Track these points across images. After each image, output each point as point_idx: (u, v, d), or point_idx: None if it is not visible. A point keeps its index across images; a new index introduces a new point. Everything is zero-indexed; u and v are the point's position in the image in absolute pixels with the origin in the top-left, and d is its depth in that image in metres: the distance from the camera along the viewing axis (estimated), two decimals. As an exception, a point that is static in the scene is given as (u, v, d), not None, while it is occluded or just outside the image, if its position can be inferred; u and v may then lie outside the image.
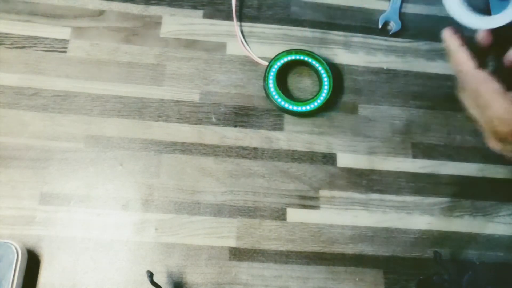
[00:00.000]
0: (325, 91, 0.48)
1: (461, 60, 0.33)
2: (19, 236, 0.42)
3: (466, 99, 0.34)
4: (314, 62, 0.49)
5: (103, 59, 0.49)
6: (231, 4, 0.52)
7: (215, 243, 0.43)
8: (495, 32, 0.34)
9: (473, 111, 0.34)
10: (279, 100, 0.47)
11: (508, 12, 0.33)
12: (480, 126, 0.34)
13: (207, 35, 0.51)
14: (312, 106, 0.48)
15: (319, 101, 0.48)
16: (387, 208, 0.46)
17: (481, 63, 0.33)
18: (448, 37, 0.34)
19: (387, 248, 0.44)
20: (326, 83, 0.49)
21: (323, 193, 0.46)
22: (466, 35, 0.35)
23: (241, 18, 0.53)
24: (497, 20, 0.34)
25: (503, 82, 0.32)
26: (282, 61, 0.49)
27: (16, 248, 0.38)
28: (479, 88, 0.32)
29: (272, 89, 0.48)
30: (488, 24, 0.34)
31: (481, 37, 0.35)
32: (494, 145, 0.33)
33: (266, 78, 0.48)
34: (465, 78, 0.33)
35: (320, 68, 0.49)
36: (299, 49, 0.50)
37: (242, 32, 0.52)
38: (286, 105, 0.47)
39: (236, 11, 0.52)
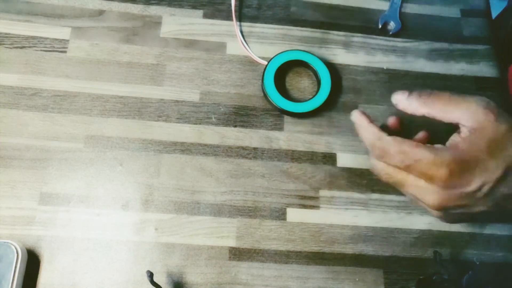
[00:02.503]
0: (324, 91, 0.48)
1: (374, 133, 0.36)
2: (19, 236, 0.42)
3: (394, 159, 0.36)
4: (313, 62, 0.49)
5: (103, 59, 0.49)
6: (231, 4, 0.52)
7: (215, 243, 0.43)
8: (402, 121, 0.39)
9: (394, 178, 0.37)
10: (277, 100, 0.47)
11: None
12: (413, 189, 0.36)
13: (207, 35, 0.51)
14: (310, 107, 0.48)
15: (317, 102, 0.48)
16: (387, 208, 0.46)
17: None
18: (357, 117, 0.38)
19: (387, 248, 0.44)
20: (325, 83, 0.49)
21: (323, 193, 0.46)
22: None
23: (240, 18, 0.53)
24: None
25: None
26: (280, 62, 0.49)
27: (16, 248, 0.38)
28: (402, 149, 0.35)
29: (270, 90, 0.48)
30: None
31: (391, 123, 0.40)
32: (433, 198, 0.34)
33: (264, 79, 0.48)
34: (383, 147, 0.36)
35: (319, 68, 0.49)
36: (298, 49, 0.50)
37: (242, 32, 0.52)
38: (284, 106, 0.47)
39: (235, 11, 0.52)
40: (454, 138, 0.35)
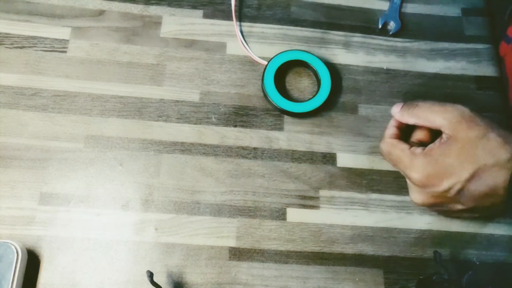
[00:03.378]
0: (324, 91, 0.48)
1: (385, 133, 0.44)
2: (19, 236, 0.42)
3: (385, 158, 0.44)
4: (313, 62, 0.49)
5: (103, 59, 0.49)
6: (231, 4, 0.52)
7: (215, 243, 0.43)
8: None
9: (392, 164, 0.44)
10: (277, 100, 0.47)
11: None
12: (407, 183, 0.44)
13: (207, 35, 0.51)
14: (310, 107, 0.48)
15: (317, 102, 0.48)
16: (387, 208, 0.46)
17: (395, 135, 0.44)
18: (393, 119, 0.45)
19: (387, 248, 0.44)
20: (325, 83, 0.49)
21: (323, 193, 0.46)
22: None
23: (240, 18, 0.53)
24: None
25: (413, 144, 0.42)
26: (280, 62, 0.49)
27: (16, 248, 0.38)
28: (389, 150, 0.42)
29: (270, 90, 0.48)
30: None
31: (392, 122, 0.45)
32: (414, 196, 0.42)
33: (264, 79, 0.48)
34: (381, 145, 0.44)
35: (319, 68, 0.49)
36: (298, 49, 0.50)
37: (241, 32, 0.52)
38: (284, 106, 0.47)
39: (235, 11, 0.52)
40: (432, 144, 0.40)
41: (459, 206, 0.40)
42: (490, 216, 0.46)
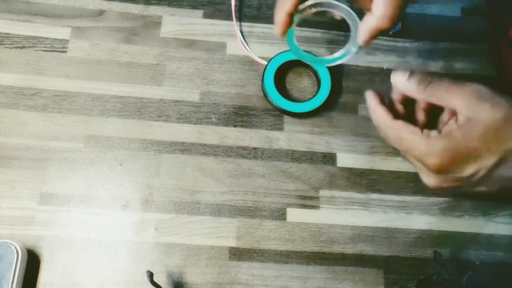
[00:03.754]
0: (324, 91, 0.48)
1: (379, 116, 0.38)
2: (19, 236, 0.42)
3: (394, 146, 0.38)
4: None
5: (103, 59, 0.49)
6: (231, 4, 0.52)
7: (215, 243, 0.43)
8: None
9: (403, 154, 0.39)
10: (277, 100, 0.47)
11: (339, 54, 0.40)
12: (414, 166, 0.38)
13: (207, 35, 0.51)
14: (310, 107, 0.48)
15: (317, 102, 0.48)
16: (387, 208, 0.46)
17: (399, 113, 0.39)
18: (369, 98, 0.39)
19: (387, 248, 0.44)
20: (325, 83, 0.49)
21: (323, 193, 0.46)
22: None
23: (240, 18, 0.53)
24: (329, 60, 0.40)
25: (420, 124, 0.38)
26: (280, 62, 0.49)
27: (16, 248, 0.38)
28: (399, 135, 0.37)
29: (270, 90, 0.48)
30: (322, 62, 0.41)
31: (395, 96, 0.40)
32: (429, 181, 0.37)
33: (264, 79, 0.48)
34: (385, 130, 0.38)
35: (319, 68, 0.49)
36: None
37: (242, 32, 0.52)
38: (284, 106, 0.47)
39: (235, 11, 0.52)
40: (450, 125, 0.35)
41: (480, 189, 0.36)
42: (491, 215, 0.46)
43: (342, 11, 0.39)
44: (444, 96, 0.35)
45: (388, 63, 0.52)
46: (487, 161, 0.33)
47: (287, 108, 0.47)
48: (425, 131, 0.36)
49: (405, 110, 0.39)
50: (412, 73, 0.37)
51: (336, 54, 0.40)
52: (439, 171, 0.35)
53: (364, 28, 0.37)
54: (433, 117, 0.39)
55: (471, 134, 0.33)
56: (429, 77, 0.36)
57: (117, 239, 0.43)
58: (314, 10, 0.39)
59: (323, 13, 0.39)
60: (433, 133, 0.35)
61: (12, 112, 0.46)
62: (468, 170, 0.34)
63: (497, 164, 0.33)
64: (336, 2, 0.39)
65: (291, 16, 0.38)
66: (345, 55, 0.40)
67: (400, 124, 0.37)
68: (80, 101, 0.47)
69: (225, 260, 0.43)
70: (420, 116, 0.39)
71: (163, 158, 0.46)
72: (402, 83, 0.37)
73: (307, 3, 0.38)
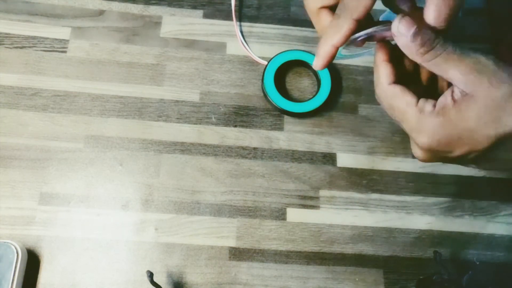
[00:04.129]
0: (324, 91, 0.48)
1: (378, 76, 0.34)
2: (19, 236, 0.42)
3: (386, 111, 0.34)
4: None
5: (103, 59, 0.49)
6: (231, 4, 0.52)
7: (215, 243, 0.43)
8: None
9: (395, 121, 0.34)
10: (277, 100, 0.47)
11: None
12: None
13: (207, 35, 0.51)
14: (310, 107, 0.48)
15: (317, 102, 0.48)
16: (387, 208, 0.46)
17: (405, 70, 0.34)
18: (377, 50, 0.35)
19: (387, 248, 0.44)
20: (325, 83, 0.49)
21: (323, 193, 0.46)
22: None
23: (240, 18, 0.53)
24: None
25: (421, 91, 0.33)
26: (280, 62, 0.49)
27: (16, 248, 0.38)
28: (392, 103, 0.33)
29: (270, 90, 0.48)
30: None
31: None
32: (417, 154, 0.34)
33: (264, 79, 0.48)
34: (379, 94, 0.34)
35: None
36: (298, 49, 0.50)
37: (241, 32, 0.52)
38: (284, 106, 0.47)
39: (235, 11, 0.52)
40: (445, 98, 0.32)
41: (471, 166, 0.34)
42: (491, 215, 0.46)
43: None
44: (442, 65, 0.32)
45: (388, 63, 0.52)
46: (481, 144, 0.31)
47: (287, 108, 0.47)
48: (421, 102, 0.32)
49: (414, 68, 0.35)
50: (418, 30, 0.32)
51: None
52: (428, 149, 0.32)
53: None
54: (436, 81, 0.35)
55: (466, 113, 0.30)
56: (435, 40, 0.32)
57: (117, 239, 0.43)
58: (363, 37, 0.35)
59: (371, 37, 0.35)
60: (428, 106, 0.32)
61: (12, 112, 0.46)
62: (459, 151, 0.32)
63: (491, 147, 0.31)
64: (387, 21, 0.35)
65: (337, 49, 0.35)
66: None
67: (395, 91, 0.33)
68: (80, 101, 0.47)
69: (225, 260, 0.43)
70: (424, 77, 0.35)
71: (163, 158, 0.46)
72: (403, 39, 0.32)
73: (358, 35, 0.34)
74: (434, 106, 0.32)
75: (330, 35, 0.35)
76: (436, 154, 0.33)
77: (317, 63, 0.36)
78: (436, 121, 0.31)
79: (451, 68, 0.31)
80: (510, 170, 0.34)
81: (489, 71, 0.30)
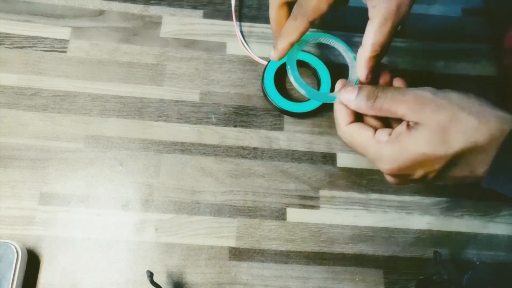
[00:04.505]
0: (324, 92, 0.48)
1: (337, 118, 0.39)
2: (19, 236, 0.42)
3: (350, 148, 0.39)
4: (313, 62, 0.49)
5: (103, 59, 0.49)
6: (231, 4, 0.52)
7: (215, 243, 0.43)
8: None
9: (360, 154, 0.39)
10: (277, 100, 0.47)
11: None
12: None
13: (207, 35, 0.51)
14: (310, 107, 0.48)
15: (317, 102, 0.48)
16: (387, 208, 0.46)
17: (359, 116, 0.38)
18: (336, 90, 0.40)
19: (387, 248, 0.44)
20: (325, 83, 0.49)
21: (323, 193, 0.46)
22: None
23: (241, 18, 0.53)
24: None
25: (379, 122, 0.38)
26: (280, 62, 0.49)
27: (16, 248, 0.38)
28: (351, 140, 0.38)
29: (270, 90, 0.48)
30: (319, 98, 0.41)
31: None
32: (388, 179, 0.38)
33: (264, 79, 0.48)
34: (340, 134, 0.39)
35: (319, 68, 0.49)
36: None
37: (242, 32, 0.52)
38: (284, 106, 0.47)
39: (235, 11, 0.52)
40: (399, 128, 0.35)
41: (437, 183, 0.36)
42: (491, 215, 0.46)
43: (339, 48, 0.42)
44: (391, 107, 0.36)
45: (388, 63, 0.52)
46: (435, 165, 0.34)
47: (287, 108, 0.47)
48: (377, 134, 0.36)
49: (355, 114, 0.39)
50: (360, 89, 0.37)
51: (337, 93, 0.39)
52: (391, 175, 0.36)
53: (360, 63, 0.38)
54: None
55: (418, 139, 0.34)
56: (375, 90, 0.37)
57: (117, 239, 0.43)
58: (314, 41, 0.42)
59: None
60: (383, 137, 0.36)
61: (12, 112, 0.46)
62: (419, 172, 0.35)
63: (445, 167, 0.34)
64: (335, 41, 0.42)
65: (292, 45, 0.40)
66: None
67: (353, 130, 0.37)
68: (80, 101, 0.47)
69: (225, 260, 0.43)
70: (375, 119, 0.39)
71: (163, 158, 0.46)
72: (351, 101, 0.37)
73: (310, 38, 0.41)
74: (390, 134, 0.36)
75: (288, 33, 0.40)
76: (402, 178, 0.36)
77: (275, 55, 0.41)
78: (392, 149, 0.35)
79: (399, 107, 0.35)
80: (472, 182, 0.36)
81: (430, 101, 0.34)
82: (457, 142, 0.32)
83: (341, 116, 0.38)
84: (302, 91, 0.40)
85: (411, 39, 0.53)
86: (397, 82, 0.39)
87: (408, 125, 0.35)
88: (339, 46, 0.42)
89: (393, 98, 0.36)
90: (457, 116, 0.33)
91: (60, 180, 0.44)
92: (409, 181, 0.37)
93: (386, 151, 0.35)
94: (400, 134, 0.35)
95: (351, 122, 0.38)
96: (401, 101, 0.35)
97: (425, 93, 0.35)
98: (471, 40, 0.54)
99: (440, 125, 0.33)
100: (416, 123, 0.34)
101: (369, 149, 0.36)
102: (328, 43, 0.42)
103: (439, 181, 0.36)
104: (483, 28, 0.55)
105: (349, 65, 0.41)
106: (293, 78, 0.40)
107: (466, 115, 0.33)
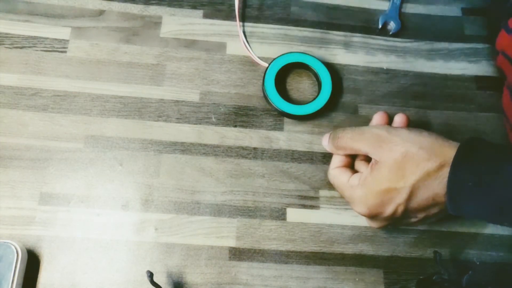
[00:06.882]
0: (325, 94, 0.48)
1: (330, 162, 0.43)
2: (19, 236, 0.42)
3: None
4: (313, 64, 0.49)
5: (103, 59, 0.49)
6: (231, 4, 0.52)
7: (214, 243, 0.43)
8: None
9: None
10: (279, 104, 0.47)
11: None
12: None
13: (207, 35, 0.51)
14: (311, 109, 0.48)
15: (319, 104, 0.48)
16: (387, 208, 0.46)
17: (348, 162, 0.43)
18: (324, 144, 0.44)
19: (387, 248, 0.44)
20: (326, 85, 0.48)
21: (323, 193, 0.46)
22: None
23: (241, 18, 0.53)
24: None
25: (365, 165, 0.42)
26: (280, 64, 0.49)
27: (16, 248, 0.38)
28: (334, 182, 0.42)
29: (271, 93, 0.48)
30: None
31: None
32: (368, 223, 0.42)
33: (264, 82, 0.48)
34: (328, 175, 0.43)
35: (319, 70, 0.49)
36: (298, 51, 0.50)
37: (244, 32, 0.52)
38: (286, 109, 0.47)
39: (238, 11, 0.52)
40: (365, 172, 0.39)
41: (412, 220, 0.39)
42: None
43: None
44: (353, 145, 0.40)
45: (388, 63, 0.52)
46: (400, 197, 0.37)
47: (288, 111, 0.47)
48: (351, 179, 0.40)
49: (347, 159, 0.43)
50: (330, 133, 0.43)
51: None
52: (366, 215, 0.39)
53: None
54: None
55: (380, 177, 0.37)
56: (336, 133, 0.42)
57: (117, 239, 0.43)
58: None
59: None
60: (355, 181, 0.39)
61: (12, 112, 0.46)
62: (389, 209, 0.37)
63: (409, 198, 0.37)
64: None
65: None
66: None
67: (335, 173, 0.42)
68: (80, 101, 0.47)
69: (225, 260, 0.43)
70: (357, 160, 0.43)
71: (163, 158, 0.46)
72: (325, 146, 0.44)
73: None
74: (360, 179, 0.39)
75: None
76: (377, 218, 0.39)
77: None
78: (361, 192, 0.38)
79: (360, 145, 0.40)
80: (439, 215, 0.39)
81: (386, 139, 0.38)
82: (412, 175, 0.36)
83: (333, 159, 0.43)
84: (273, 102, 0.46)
85: (411, 39, 0.54)
86: (399, 118, 0.42)
87: (371, 166, 0.39)
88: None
89: (353, 138, 0.40)
90: (410, 151, 0.36)
91: (60, 180, 0.44)
92: (384, 220, 0.39)
93: (356, 194, 0.39)
94: (366, 177, 0.38)
95: (338, 167, 0.42)
96: (360, 140, 0.40)
97: (381, 131, 0.39)
98: (471, 40, 0.54)
99: (397, 162, 0.37)
100: (377, 162, 0.38)
101: (345, 193, 0.41)
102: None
103: (409, 216, 0.38)
104: (483, 28, 0.55)
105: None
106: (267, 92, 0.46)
107: (417, 149, 0.36)
